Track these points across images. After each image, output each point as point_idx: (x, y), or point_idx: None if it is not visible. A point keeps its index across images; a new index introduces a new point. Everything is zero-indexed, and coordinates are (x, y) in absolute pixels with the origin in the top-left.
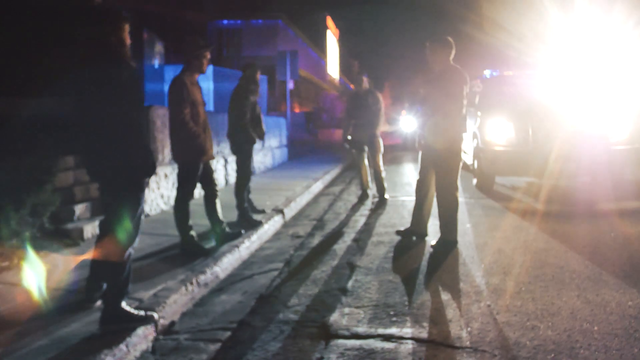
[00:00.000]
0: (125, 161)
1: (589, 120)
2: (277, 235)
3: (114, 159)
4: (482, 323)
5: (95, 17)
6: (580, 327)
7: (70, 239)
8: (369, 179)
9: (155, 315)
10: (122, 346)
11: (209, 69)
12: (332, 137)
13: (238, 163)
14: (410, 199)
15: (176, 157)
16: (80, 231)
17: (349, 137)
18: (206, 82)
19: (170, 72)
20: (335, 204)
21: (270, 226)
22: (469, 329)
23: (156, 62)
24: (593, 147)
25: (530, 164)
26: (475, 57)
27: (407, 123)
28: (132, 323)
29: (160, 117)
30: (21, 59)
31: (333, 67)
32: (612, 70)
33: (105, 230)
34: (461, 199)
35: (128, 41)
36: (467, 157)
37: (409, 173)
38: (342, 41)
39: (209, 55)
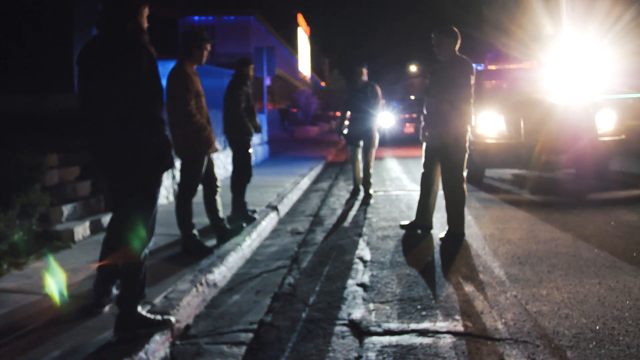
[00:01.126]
0: (143, 154)
1: (576, 113)
2: (275, 232)
3: (131, 151)
4: (515, 314)
5: (116, 4)
6: (612, 314)
7: (60, 241)
8: (362, 174)
9: (172, 319)
10: (142, 354)
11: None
12: (307, 134)
13: (236, 157)
14: (403, 193)
15: (181, 151)
16: (71, 233)
17: (345, 132)
18: None
19: None
20: (328, 199)
21: (267, 223)
22: (503, 320)
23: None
24: (580, 139)
25: (521, 156)
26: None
27: (384, 118)
28: (148, 328)
29: None
30: None
31: (304, 64)
32: (597, 65)
33: (118, 230)
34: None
35: (145, 25)
36: None
37: (395, 167)
38: (314, 38)
39: (209, 48)
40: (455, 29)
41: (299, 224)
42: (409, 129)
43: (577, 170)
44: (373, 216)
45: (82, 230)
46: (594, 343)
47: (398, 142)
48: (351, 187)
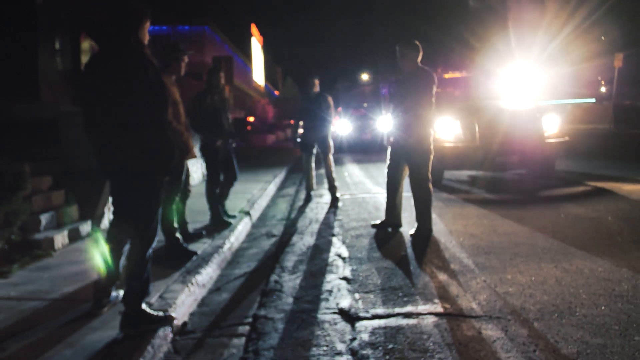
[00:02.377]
0: (149, 158)
1: (524, 117)
2: (250, 236)
3: (137, 156)
4: (486, 295)
5: (115, 15)
6: (569, 292)
7: (41, 249)
8: (314, 181)
9: (174, 315)
10: (149, 348)
11: None
12: (265, 142)
13: (206, 165)
14: (369, 196)
15: None
16: (51, 241)
17: (299, 140)
18: None
19: None
20: (296, 204)
21: (242, 227)
22: (477, 301)
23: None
24: (528, 141)
25: (477, 158)
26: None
27: (341, 126)
28: (152, 324)
29: None
30: None
31: (258, 73)
32: (544, 72)
33: (123, 231)
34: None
35: (147, 38)
36: None
37: (356, 172)
38: (267, 47)
39: (187, 59)
40: (417, 43)
41: (273, 227)
42: (366, 135)
43: (527, 170)
44: (344, 218)
45: (61, 238)
46: (555, 315)
47: (356, 148)
48: (319, 192)
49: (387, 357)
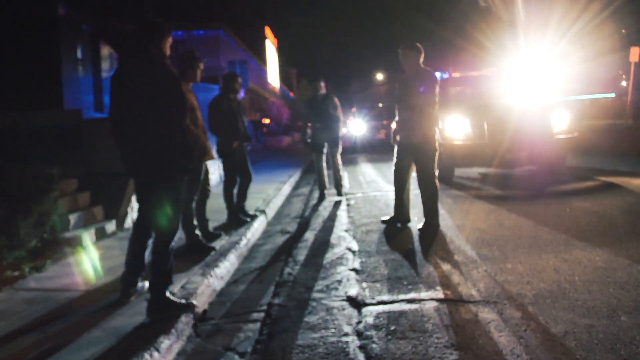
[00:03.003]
0: (171, 158)
1: (533, 114)
2: (266, 233)
3: (160, 156)
4: (486, 283)
5: (140, 30)
6: (565, 279)
7: (70, 246)
8: (327, 180)
9: (195, 302)
10: (173, 331)
11: None
12: (280, 144)
13: (223, 167)
14: (380, 194)
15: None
16: (79, 239)
17: (309, 141)
18: None
19: None
20: (310, 203)
21: (258, 225)
22: (476, 288)
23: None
24: (537, 137)
25: (486, 156)
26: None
27: (355, 126)
28: (176, 311)
29: None
30: None
31: (273, 75)
32: (552, 69)
33: (148, 226)
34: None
35: (168, 52)
36: None
37: (369, 171)
38: (281, 49)
39: (202, 66)
40: (419, 45)
41: (287, 225)
42: (380, 135)
43: (536, 166)
44: (355, 215)
45: (89, 236)
46: (549, 300)
47: (370, 148)
48: (333, 192)
49: (389, 337)
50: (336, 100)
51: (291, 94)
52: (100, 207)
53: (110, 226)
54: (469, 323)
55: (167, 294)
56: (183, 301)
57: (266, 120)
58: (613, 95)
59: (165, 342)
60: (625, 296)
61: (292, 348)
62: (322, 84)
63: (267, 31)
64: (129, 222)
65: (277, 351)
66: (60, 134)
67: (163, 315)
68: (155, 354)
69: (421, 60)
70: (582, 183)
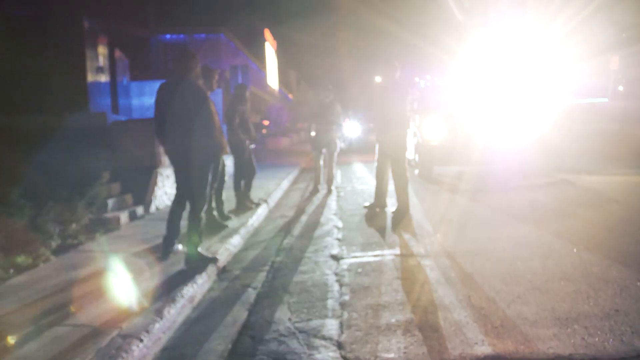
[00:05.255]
0: (204, 149)
1: (503, 118)
2: (268, 218)
3: (196, 147)
4: (433, 246)
5: (180, 58)
6: (491, 244)
7: (111, 224)
8: (322, 176)
9: (219, 257)
10: (204, 274)
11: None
12: (279, 145)
13: (234, 161)
14: (366, 187)
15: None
16: (118, 219)
17: (312, 134)
18: None
19: (136, 88)
20: (305, 195)
21: (262, 211)
22: (424, 249)
23: (124, 79)
24: (506, 139)
25: (459, 155)
26: (409, 65)
27: (350, 128)
28: (205, 262)
29: None
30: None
31: (273, 78)
32: (520, 76)
33: (184, 200)
34: (409, 185)
35: (199, 73)
36: (410, 152)
37: (360, 169)
38: (280, 52)
39: (217, 77)
40: (396, 62)
41: (286, 211)
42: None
43: (505, 165)
44: (343, 203)
45: (124, 217)
46: (473, 255)
47: (364, 149)
48: (327, 187)
49: (357, 274)
50: (339, 107)
51: (290, 96)
52: (130, 195)
53: (139, 210)
54: (413, 267)
55: (199, 249)
56: (210, 255)
57: (265, 122)
58: (605, 100)
59: (199, 280)
60: (526, 252)
61: (289, 283)
62: (329, 92)
63: (267, 34)
64: (153, 208)
65: (279, 285)
66: (88, 133)
67: (196, 264)
68: (195, 286)
69: (398, 74)
70: (541, 179)
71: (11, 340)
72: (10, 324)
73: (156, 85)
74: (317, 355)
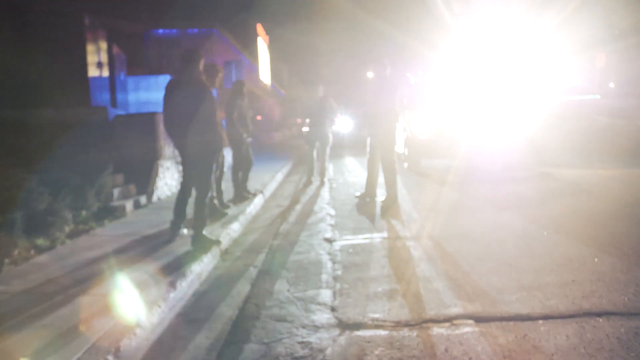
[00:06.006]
0: (209, 142)
1: (490, 113)
2: (264, 207)
3: (202, 140)
4: (418, 230)
5: (188, 57)
6: (470, 228)
7: (117, 212)
8: (315, 169)
9: (222, 239)
10: (209, 255)
11: (167, 78)
12: (272, 139)
13: (233, 153)
14: (357, 180)
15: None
16: (124, 207)
17: (305, 129)
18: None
19: (132, 83)
20: (299, 186)
21: (258, 200)
22: (410, 232)
23: (122, 74)
24: (490, 134)
25: (446, 149)
26: (399, 61)
27: (343, 124)
28: (209, 243)
29: (162, 121)
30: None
31: (265, 73)
32: (509, 72)
33: (190, 188)
34: (397, 176)
35: (202, 70)
36: (399, 146)
37: (352, 163)
38: (272, 47)
39: (221, 76)
40: (387, 60)
41: (281, 201)
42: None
43: (491, 158)
44: (336, 194)
45: (129, 206)
46: (453, 237)
47: (356, 144)
48: (319, 179)
49: (348, 254)
50: (333, 103)
51: (282, 92)
52: (133, 185)
53: (143, 199)
54: (399, 247)
55: (204, 232)
56: (214, 237)
57: (258, 117)
58: (598, 97)
59: (205, 259)
60: (502, 235)
61: (287, 262)
62: (321, 88)
63: (260, 29)
64: (155, 197)
65: (277, 264)
66: (91, 127)
67: (202, 245)
68: (201, 264)
69: (388, 72)
70: (524, 172)
71: (44, 307)
72: (41, 294)
73: (151, 80)
74: (313, 317)
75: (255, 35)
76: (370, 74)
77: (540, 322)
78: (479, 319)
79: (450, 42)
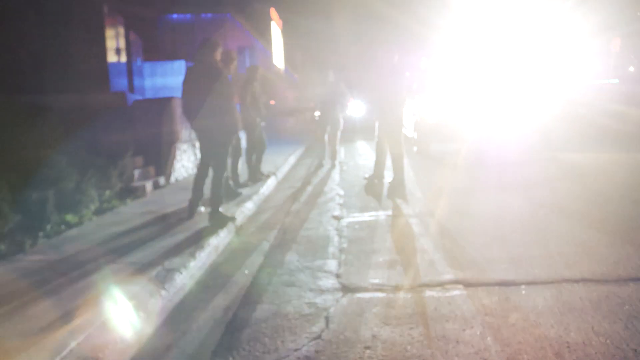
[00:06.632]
0: (225, 125)
1: (497, 99)
2: (277, 188)
3: (219, 123)
4: (421, 209)
5: (204, 45)
6: (470, 207)
7: (138, 192)
8: (326, 152)
9: (237, 215)
10: (225, 230)
11: (183, 64)
12: (285, 124)
13: (247, 136)
14: (367, 162)
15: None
16: (144, 188)
17: (317, 114)
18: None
19: (148, 69)
20: (311, 169)
21: (272, 182)
22: (413, 210)
23: (138, 60)
24: (499, 118)
25: (454, 133)
26: (411, 46)
27: (355, 108)
28: (225, 220)
29: (180, 106)
30: None
31: (278, 57)
32: (516, 58)
33: (207, 168)
34: (405, 160)
35: (220, 57)
36: (409, 130)
37: (363, 147)
38: (286, 31)
39: (236, 63)
40: (394, 47)
41: (293, 182)
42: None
43: (499, 142)
44: (346, 176)
45: (149, 186)
46: (453, 214)
47: (368, 128)
48: (330, 162)
49: (354, 229)
50: (344, 88)
51: (296, 76)
52: (152, 167)
53: (161, 180)
54: (402, 224)
55: (221, 209)
56: (229, 214)
57: (272, 102)
58: (616, 81)
59: (221, 234)
60: (500, 213)
61: (297, 237)
62: (332, 73)
63: (273, 13)
64: (173, 179)
65: (288, 239)
66: (111, 111)
67: (218, 221)
68: (218, 238)
69: (396, 58)
70: (527, 156)
71: (79, 273)
72: (76, 261)
73: (167, 66)
74: (320, 282)
75: (269, 19)
76: (379, 61)
77: (523, 287)
78: (467, 284)
79: (462, 26)
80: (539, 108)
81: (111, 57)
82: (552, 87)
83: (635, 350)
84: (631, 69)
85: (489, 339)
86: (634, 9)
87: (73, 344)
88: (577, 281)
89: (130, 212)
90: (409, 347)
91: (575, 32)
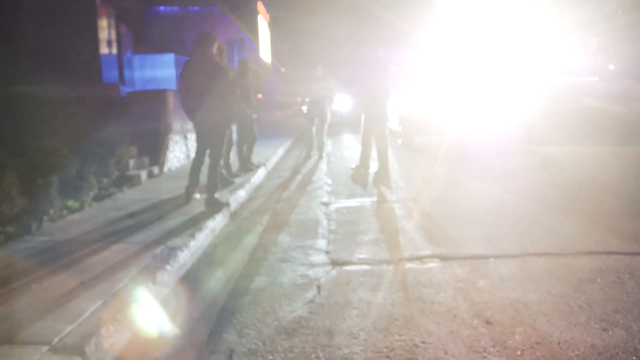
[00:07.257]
0: (222, 117)
1: (480, 94)
2: (267, 178)
3: (216, 116)
4: (404, 195)
5: (201, 39)
6: (451, 195)
7: (134, 180)
8: (314, 144)
9: (231, 202)
10: (221, 214)
11: (172, 57)
12: (273, 117)
13: (238, 128)
14: (353, 154)
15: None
16: (139, 176)
17: (304, 108)
18: (170, 69)
19: (138, 61)
20: (299, 160)
21: (262, 171)
22: (396, 197)
23: (128, 52)
24: (481, 113)
25: (438, 126)
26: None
27: (342, 102)
28: (220, 205)
29: (173, 98)
30: None
31: (265, 51)
32: (497, 54)
33: (203, 156)
34: (390, 152)
35: (215, 52)
36: (394, 124)
37: (349, 139)
38: (273, 25)
39: (225, 55)
40: (379, 42)
41: (283, 172)
42: None
43: (481, 136)
44: (333, 167)
45: (144, 175)
46: (435, 201)
47: (354, 122)
48: (318, 153)
49: (341, 213)
50: (332, 82)
51: (283, 70)
52: (147, 157)
53: (155, 170)
54: (386, 209)
55: (216, 195)
56: (224, 200)
57: (259, 96)
58: (596, 78)
59: (217, 218)
60: (476, 199)
61: (288, 220)
62: (319, 67)
63: (260, 6)
64: (166, 168)
65: (280, 222)
66: (104, 102)
67: (214, 206)
68: (214, 221)
69: (381, 53)
70: (511, 149)
71: (87, 251)
72: (82, 241)
73: (156, 58)
74: (311, 258)
75: (256, 12)
76: (364, 56)
77: (492, 259)
78: (443, 258)
79: (444, 22)
80: (520, 103)
81: (103, 49)
82: (533, 84)
83: (581, 307)
84: (611, 67)
85: (459, 299)
86: (613, 7)
87: (92, 308)
88: (539, 255)
89: (128, 199)
90: (390, 307)
91: (556, 29)
